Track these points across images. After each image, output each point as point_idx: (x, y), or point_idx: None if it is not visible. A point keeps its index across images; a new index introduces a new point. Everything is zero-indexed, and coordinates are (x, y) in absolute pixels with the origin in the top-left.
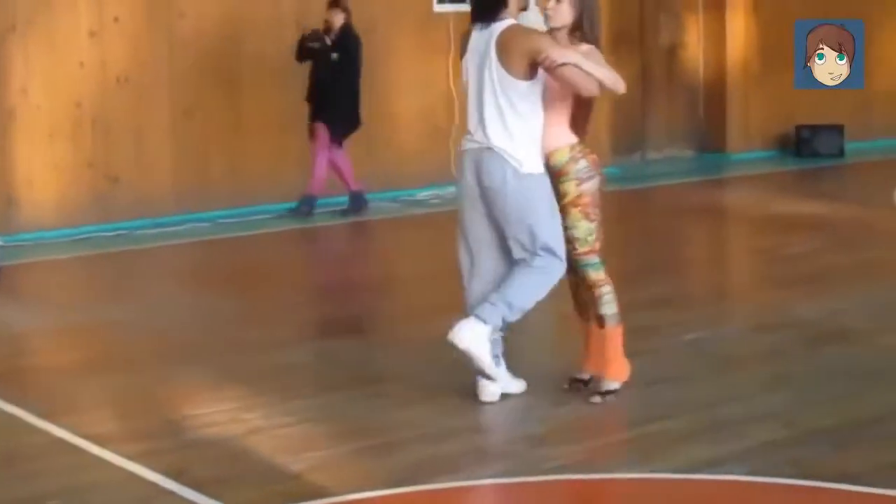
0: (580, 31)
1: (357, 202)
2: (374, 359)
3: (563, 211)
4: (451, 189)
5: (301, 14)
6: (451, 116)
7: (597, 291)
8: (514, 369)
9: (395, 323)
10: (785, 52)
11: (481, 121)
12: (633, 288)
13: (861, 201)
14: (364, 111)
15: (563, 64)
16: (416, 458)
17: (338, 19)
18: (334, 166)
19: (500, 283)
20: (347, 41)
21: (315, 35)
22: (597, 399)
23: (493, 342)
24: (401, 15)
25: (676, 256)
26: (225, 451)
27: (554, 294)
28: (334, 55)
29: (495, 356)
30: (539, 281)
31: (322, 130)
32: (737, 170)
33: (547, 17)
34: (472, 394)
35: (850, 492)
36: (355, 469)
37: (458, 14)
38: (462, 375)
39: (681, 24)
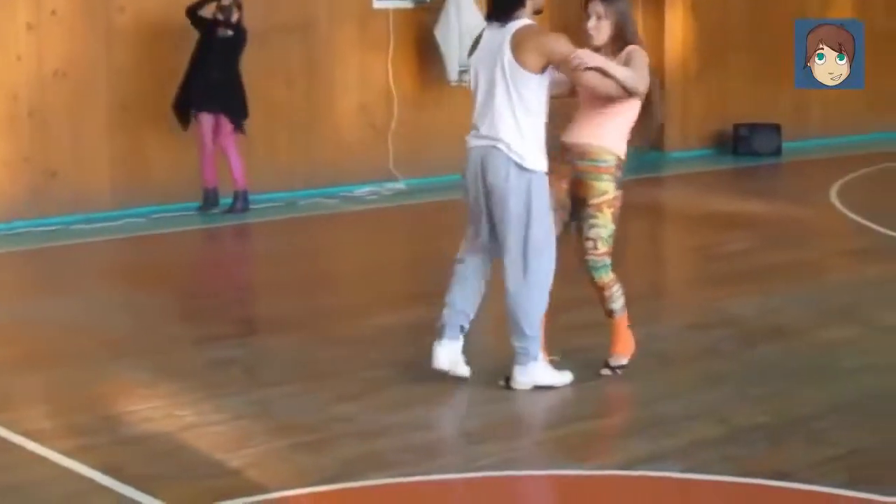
0: (621, 41)
1: (245, 201)
2: (309, 355)
3: (598, 208)
4: (390, 185)
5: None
6: (391, 113)
7: (607, 292)
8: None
9: (330, 319)
10: (723, 50)
11: (490, 114)
12: (570, 285)
13: (797, 200)
14: (304, 106)
15: (591, 67)
16: (350, 455)
17: (234, 16)
18: (227, 159)
19: (510, 311)
20: (239, 32)
21: (224, 9)
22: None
23: (459, 328)
24: (340, 11)
25: (614, 254)
26: (160, 448)
27: (491, 297)
28: (229, 31)
29: (461, 327)
30: (533, 296)
31: (216, 120)
32: (674, 168)
33: (589, 37)
34: (406, 390)
35: (784, 488)
36: (289, 465)
37: (398, 10)
38: (397, 372)
39: None
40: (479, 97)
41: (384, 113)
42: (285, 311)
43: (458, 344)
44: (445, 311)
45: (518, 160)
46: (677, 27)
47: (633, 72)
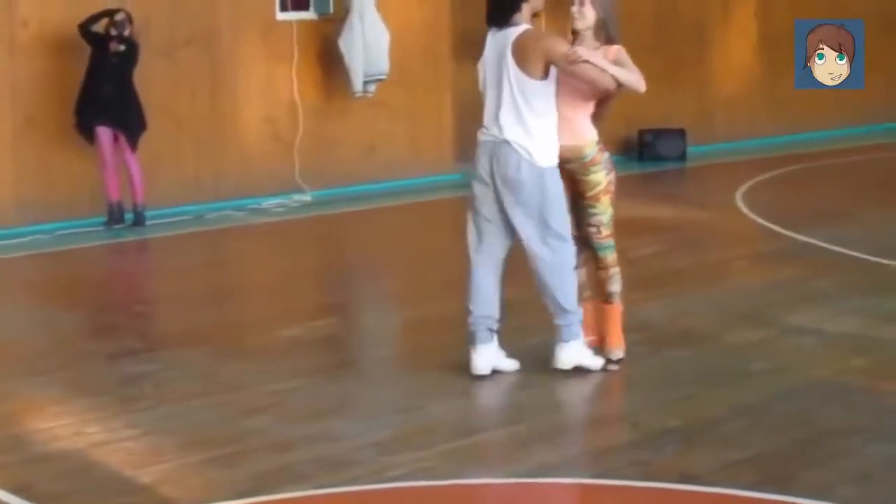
0: (604, 32)
1: (143, 217)
2: (220, 368)
3: (595, 198)
4: (297, 197)
5: (142, 24)
6: (296, 125)
7: (611, 271)
8: (360, 378)
9: (240, 332)
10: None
11: (497, 117)
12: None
13: (703, 204)
14: (210, 118)
15: (586, 61)
16: (262, 468)
17: (127, 30)
18: (129, 173)
19: (498, 294)
20: (131, 47)
21: (118, 24)
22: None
23: (488, 331)
24: (244, 22)
25: (518, 261)
26: (71, 465)
27: (398, 305)
28: (121, 46)
29: (489, 330)
30: (565, 273)
31: (114, 134)
32: None
33: (572, 19)
34: (317, 401)
35: (692, 492)
36: (202, 480)
37: (301, 21)
38: (307, 384)
39: None
40: (488, 100)
41: (289, 125)
42: (195, 325)
43: (492, 345)
44: (470, 320)
45: (528, 158)
46: None
47: (630, 72)
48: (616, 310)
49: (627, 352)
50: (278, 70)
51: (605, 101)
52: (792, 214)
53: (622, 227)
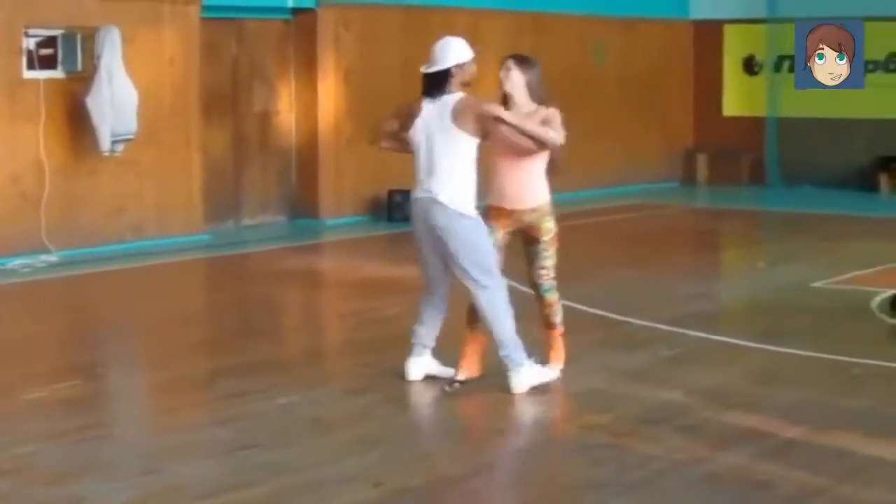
0: (533, 98)
1: None
2: None
3: (549, 243)
4: (43, 257)
5: None
6: (42, 184)
7: (555, 307)
8: (104, 440)
9: None
10: (376, 117)
11: (431, 174)
12: (225, 353)
13: None
14: None
15: (507, 122)
16: None
17: None
18: None
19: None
20: None
21: None
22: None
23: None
24: None
25: (270, 322)
26: None
27: (144, 366)
28: None
29: (423, 346)
30: (499, 306)
31: None
32: (330, 235)
33: (501, 83)
34: (60, 464)
35: None
36: None
37: (49, 80)
38: (50, 447)
39: (273, 90)
40: (423, 158)
41: (36, 184)
42: None
43: (426, 356)
44: (414, 340)
45: (456, 210)
46: (330, 95)
47: (548, 129)
48: (558, 332)
49: (370, 411)
50: (25, 128)
51: (553, 159)
52: None
53: (371, 286)
